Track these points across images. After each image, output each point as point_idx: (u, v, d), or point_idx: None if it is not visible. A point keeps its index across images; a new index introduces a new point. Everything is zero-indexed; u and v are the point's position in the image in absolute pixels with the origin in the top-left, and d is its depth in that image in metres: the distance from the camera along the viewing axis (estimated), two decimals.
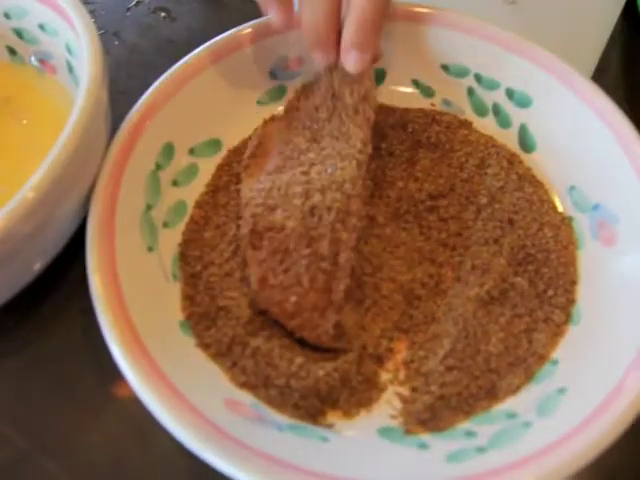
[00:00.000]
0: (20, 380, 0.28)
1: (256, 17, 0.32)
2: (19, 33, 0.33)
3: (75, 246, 0.28)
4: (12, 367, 0.28)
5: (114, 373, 0.27)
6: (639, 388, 0.22)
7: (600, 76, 0.37)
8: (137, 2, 0.41)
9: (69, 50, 0.31)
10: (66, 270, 0.29)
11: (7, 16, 0.33)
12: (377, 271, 0.27)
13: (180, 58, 0.31)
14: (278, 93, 0.33)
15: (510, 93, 0.32)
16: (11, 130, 0.32)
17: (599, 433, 0.21)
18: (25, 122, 0.32)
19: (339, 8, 0.29)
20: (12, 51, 0.34)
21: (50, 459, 0.26)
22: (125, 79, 0.37)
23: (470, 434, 0.23)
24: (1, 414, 0.27)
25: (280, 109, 0.32)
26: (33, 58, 0.34)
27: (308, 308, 0.24)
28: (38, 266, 0.28)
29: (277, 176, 0.27)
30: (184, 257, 0.28)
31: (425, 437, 0.23)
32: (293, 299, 0.24)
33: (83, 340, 0.28)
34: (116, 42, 0.39)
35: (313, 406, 0.24)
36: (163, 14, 0.41)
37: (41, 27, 0.32)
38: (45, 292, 0.29)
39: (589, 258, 0.28)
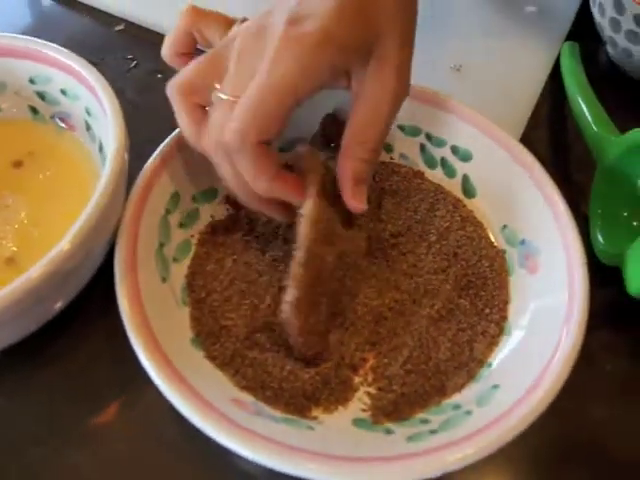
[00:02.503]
0: (51, 389, 0.33)
1: None
2: (42, 96, 0.38)
3: (97, 277, 0.34)
4: (45, 378, 0.33)
5: (133, 383, 0.33)
6: (551, 385, 0.28)
7: (532, 128, 0.44)
8: (136, 64, 0.47)
9: (88, 112, 0.37)
10: (91, 295, 0.35)
11: (32, 81, 0.38)
12: (354, 298, 0.33)
13: None
14: None
15: (455, 149, 0.38)
16: (37, 180, 0.37)
17: (522, 416, 0.27)
18: (48, 173, 0.37)
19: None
20: (34, 110, 0.39)
21: (78, 454, 0.31)
22: (130, 134, 0.42)
23: (425, 421, 0.29)
24: (36, 417, 0.32)
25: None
26: (54, 117, 0.39)
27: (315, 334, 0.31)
28: (60, 305, 0.32)
29: None
30: (190, 286, 0.34)
31: (390, 425, 0.30)
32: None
33: (105, 356, 0.34)
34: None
35: (301, 403, 0.30)
36: (159, 75, 0.47)
37: (62, 92, 0.37)
38: (73, 314, 0.34)
39: (518, 283, 0.34)
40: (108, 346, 0.34)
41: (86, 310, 0.35)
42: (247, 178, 0.30)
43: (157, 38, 0.48)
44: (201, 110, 0.32)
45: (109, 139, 0.33)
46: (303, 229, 0.31)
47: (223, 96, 0.30)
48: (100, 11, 0.50)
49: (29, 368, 0.33)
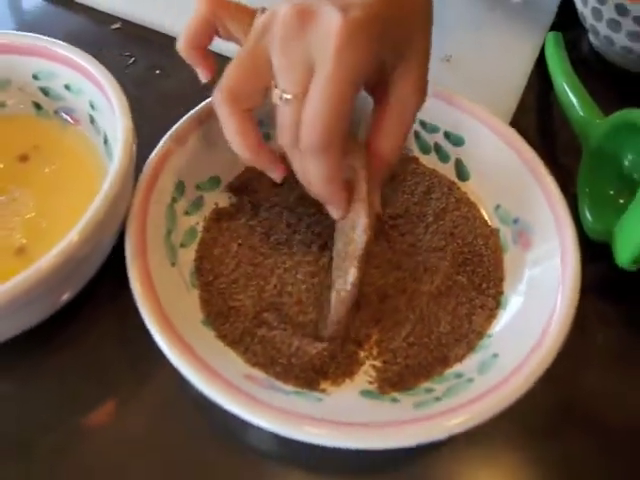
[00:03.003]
0: (63, 374, 0.34)
1: None
2: (45, 91, 0.39)
3: (105, 265, 0.35)
4: (57, 363, 0.34)
5: (144, 365, 0.34)
6: (546, 353, 0.29)
7: (519, 115, 0.46)
8: (134, 61, 0.48)
9: (92, 106, 0.38)
10: (100, 282, 0.36)
11: (35, 77, 0.39)
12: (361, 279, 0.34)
13: (175, 109, 0.37)
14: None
15: (447, 135, 0.40)
16: (43, 173, 0.38)
17: (519, 383, 0.29)
18: (54, 166, 0.38)
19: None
20: (38, 106, 0.40)
21: (93, 436, 0.32)
22: None
23: (429, 390, 0.31)
24: (49, 401, 0.33)
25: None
26: (57, 112, 0.39)
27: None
28: (71, 293, 0.33)
29: None
30: (199, 270, 0.35)
31: (396, 395, 0.31)
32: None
33: (116, 339, 0.35)
34: None
35: (310, 377, 0.31)
36: (157, 71, 0.48)
37: (67, 87, 0.38)
38: (83, 300, 0.35)
39: (512, 259, 0.36)
40: (118, 330, 0.35)
41: (95, 296, 0.35)
42: (331, 174, 0.29)
43: (153, 35, 0.50)
44: (250, 115, 0.31)
45: (117, 132, 0.34)
46: (362, 212, 0.31)
47: (287, 96, 0.29)
48: (96, 10, 0.51)
49: (40, 354, 0.34)
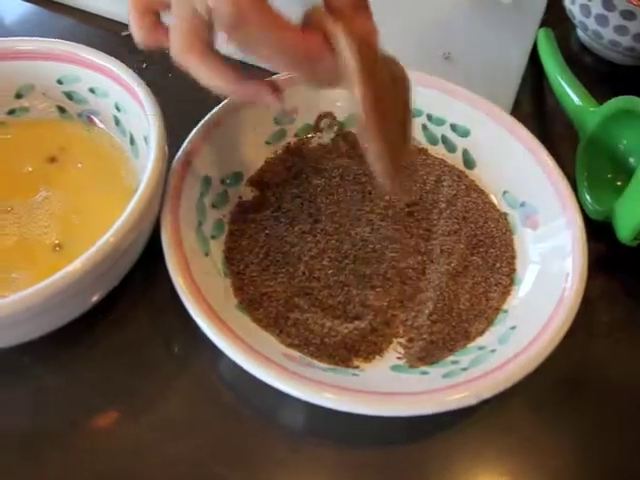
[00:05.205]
0: (103, 365, 0.35)
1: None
2: (69, 95, 0.40)
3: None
4: (98, 354, 0.36)
5: (181, 349, 0.36)
6: (559, 325, 0.32)
7: (516, 108, 0.49)
8: (146, 66, 0.50)
9: (117, 108, 0.39)
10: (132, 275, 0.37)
11: (60, 82, 0.40)
12: (383, 262, 0.37)
13: (190, 111, 0.39)
14: (281, 135, 0.42)
15: (454, 127, 0.42)
16: (72, 173, 0.39)
17: (539, 350, 0.31)
18: (81, 166, 0.40)
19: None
20: (61, 109, 0.41)
21: (135, 423, 0.34)
22: None
23: (455, 362, 0.33)
24: (93, 390, 0.34)
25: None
26: (81, 114, 0.41)
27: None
28: (104, 292, 0.34)
29: None
30: (229, 260, 0.37)
31: (424, 368, 0.33)
32: None
33: (152, 328, 0.36)
34: None
35: (343, 354, 0.33)
36: (170, 75, 0.50)
37: (91, 90, 0.40)
38: (119, 292, 0.36)
39: (521, 239, 0.38)
40: (153, 320, 0.37)
41: (131, 288, 0.37)
42: (266, 45, 0.26)
43: None
44: (215, 53, 0.29)
45: (146, 132, 0.36)
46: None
47: None
48: (106, 19, 0.53)
49: (81, 345, 0.36)
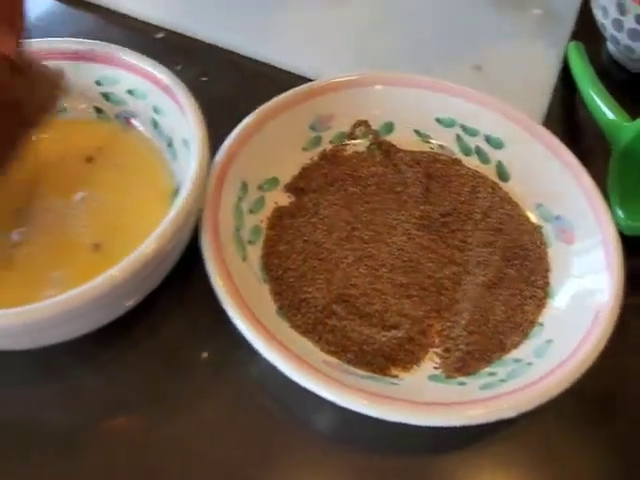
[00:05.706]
0: (140, 367, 0.36)
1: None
2: (107, 97, 0.41)
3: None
4: (134, 356, 0.36)
5: (221, 354, 0.36)
6: (596, 341, 0.32)
7: (548, 120, 0.49)
8: (181, 69, 0.50)
9: (156, 110, 0.40)
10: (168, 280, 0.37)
11: (98, 83, 0.40)
12: (419, 272, 0.37)
13: (223, 114, 0.39)
14: (317, 141, 0.42)
15: (487, 138, 0.42)
16: (110, 173, 0.39)
17: (577, 365, 0.31)
18: (119, 167, 0.39)
19: None
20: (99, 110, 0.41)
21: (173, 425, 0.34)
22: None
23: (492, 374, 0.33)
24: (129, 392, 0.35)
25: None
26: (118, 116, 0.41)
27: None
28: (144, 294, 0.34)
29: None
30: (267, 265, 0.37)
31: (462, 378, 0.33)
32: None
33: (189, 334, 0.37)
34: None
35: (381, 363, 0.33)
36: (204, 78, 0.50)
37: (129, 92, 0.40)
38: (155, 295, 0.36)
39: (556, 253, 0.38)
40: (190, 323, 0.37)
41: (167, 291, 0.37)
42: None
43: (197, 45, 0.52)
44: None
45: (185, 135, 0.36)
46: None
47: None
48: (140, 21, 0.53)
49: (119, 346, 0.36)
